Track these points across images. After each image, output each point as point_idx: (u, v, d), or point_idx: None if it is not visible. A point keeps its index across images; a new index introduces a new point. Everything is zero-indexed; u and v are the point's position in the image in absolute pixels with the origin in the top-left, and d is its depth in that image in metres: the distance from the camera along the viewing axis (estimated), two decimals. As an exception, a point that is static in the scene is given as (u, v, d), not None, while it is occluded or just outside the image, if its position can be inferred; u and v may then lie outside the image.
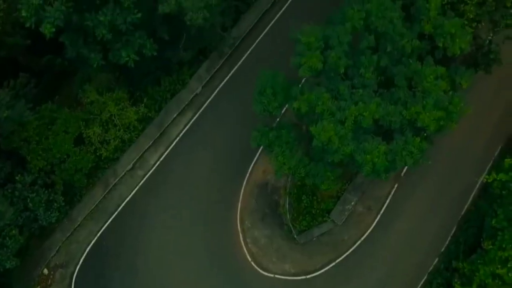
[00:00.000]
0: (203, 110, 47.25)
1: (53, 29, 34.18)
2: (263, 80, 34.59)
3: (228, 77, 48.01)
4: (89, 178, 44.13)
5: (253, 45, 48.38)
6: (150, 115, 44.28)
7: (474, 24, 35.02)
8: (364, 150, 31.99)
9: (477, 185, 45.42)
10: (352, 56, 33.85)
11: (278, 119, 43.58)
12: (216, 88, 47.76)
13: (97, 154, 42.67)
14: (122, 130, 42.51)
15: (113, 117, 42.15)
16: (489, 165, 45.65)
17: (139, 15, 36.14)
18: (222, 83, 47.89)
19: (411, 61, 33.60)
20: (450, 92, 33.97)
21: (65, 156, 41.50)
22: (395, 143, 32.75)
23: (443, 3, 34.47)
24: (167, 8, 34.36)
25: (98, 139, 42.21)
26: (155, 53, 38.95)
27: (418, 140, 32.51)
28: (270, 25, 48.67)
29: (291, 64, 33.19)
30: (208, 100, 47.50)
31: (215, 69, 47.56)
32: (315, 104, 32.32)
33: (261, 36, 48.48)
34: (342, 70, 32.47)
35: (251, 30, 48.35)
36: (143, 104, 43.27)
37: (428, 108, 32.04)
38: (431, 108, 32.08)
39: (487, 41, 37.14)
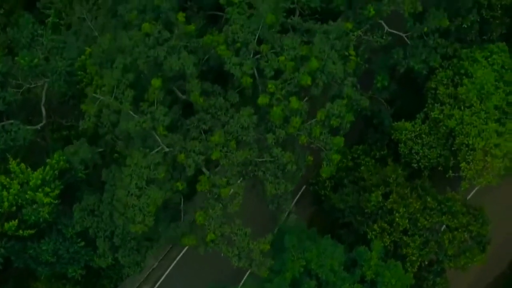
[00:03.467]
0: (159, 285, 46.78)
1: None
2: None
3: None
4: None
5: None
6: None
7: (417, 264, 34.70)
8: None
9: None
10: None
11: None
12: (174, 260, 47.31)
13: None
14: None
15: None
16: None
17: (83, 243, 35.92)
18: (180, 254, 47.46)
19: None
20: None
21: None
22: None
23: (385, 244, 34.27)
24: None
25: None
26: (103, 266, 38.64)
27: None
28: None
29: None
30: (165, 274, 47.04)
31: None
32: None
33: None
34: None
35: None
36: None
37: None
38: None
39: (431, 277, 36.66)
